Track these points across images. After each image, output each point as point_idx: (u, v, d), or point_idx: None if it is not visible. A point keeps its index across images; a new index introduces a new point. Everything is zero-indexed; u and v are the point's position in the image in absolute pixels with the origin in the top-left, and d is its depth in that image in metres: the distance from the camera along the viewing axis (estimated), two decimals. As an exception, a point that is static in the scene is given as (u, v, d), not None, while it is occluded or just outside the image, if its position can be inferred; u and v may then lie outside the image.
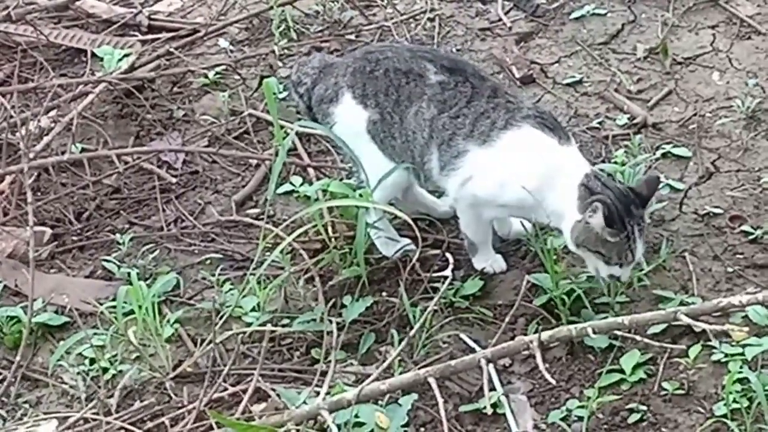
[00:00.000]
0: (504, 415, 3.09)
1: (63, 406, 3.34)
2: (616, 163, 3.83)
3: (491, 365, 2.97)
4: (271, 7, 4.63)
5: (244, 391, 3.16)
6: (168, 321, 3.44)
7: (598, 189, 3.34)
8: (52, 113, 4.26)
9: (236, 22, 4.73)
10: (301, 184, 3.88)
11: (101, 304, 3.49)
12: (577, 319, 3.34)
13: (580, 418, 3.14)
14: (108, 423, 3.14)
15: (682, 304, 3.34)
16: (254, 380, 3.14)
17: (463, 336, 3.36)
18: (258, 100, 4.36)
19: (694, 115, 4.18)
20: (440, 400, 2.90)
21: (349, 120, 3.55)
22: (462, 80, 3.47)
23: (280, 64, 4.52)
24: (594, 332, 2.99)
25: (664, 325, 3.28)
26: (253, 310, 3.49)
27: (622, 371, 3.25)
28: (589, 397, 3.16)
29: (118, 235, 3.82)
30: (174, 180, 4.08)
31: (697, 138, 4.07)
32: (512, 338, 3.14)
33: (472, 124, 3.42)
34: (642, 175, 3.70)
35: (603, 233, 3.29)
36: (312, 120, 3.64)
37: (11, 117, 3.88)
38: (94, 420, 3.16)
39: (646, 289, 3.48)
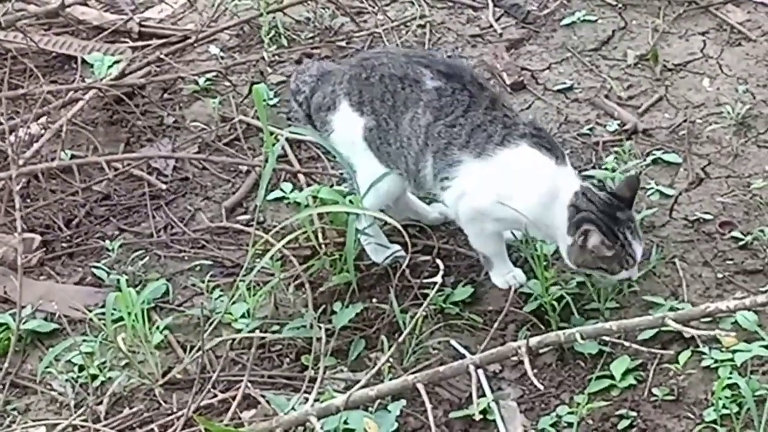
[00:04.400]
0: (494, 421, 3.09)
1: (52, 413, 3.32)
2: (606, 169, 3.82)
3: (481, 371, 2.97)
4: (262, 14, 4.63)
5: (234, 398, 3.15)
6: (157, 328, 3.43)
7: (584, 206, 3.33)
8: (42, 120, 4.25)
9: (227, 28, 4.73)
10: (292, 191, 3.88)
11: (90, 311, 3.48)
12: (567, 326, 3.33)
13: (570, 425, 3.14)
14: (97, 430, 3.14)
15: (671, 309, 3.33)
16: (243, 387, 3.13)
17: (453, 342, 3.36)
18: (248, 107, 4.35)
19: (685, 121, 4.18)
20: (429, 406, 2.89)
21: (346, 127, 3.53)
22: (460, 87, 3.42)
23: (270, 70, 4.51)
24: (582, 338, 2.98)
25: (654, 331, 3.28)
26: (242, 316, 3.49)
27: (612, 377, 3.24)
28: (579, 403, 3.16)
29: (107, 242, 3.81)
30: (164, 186, 4.06)
31: (687, 144, 4.07)
32: (502, 344, 3.14)
33: (468, 135, 3.39)
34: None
35: (598, 252, 3.30)
36: (312, 128, 3.62)
37: (1, 123, 3.87)
38: (83, 427, 3.15)
39: (636, 295, 3.48)
